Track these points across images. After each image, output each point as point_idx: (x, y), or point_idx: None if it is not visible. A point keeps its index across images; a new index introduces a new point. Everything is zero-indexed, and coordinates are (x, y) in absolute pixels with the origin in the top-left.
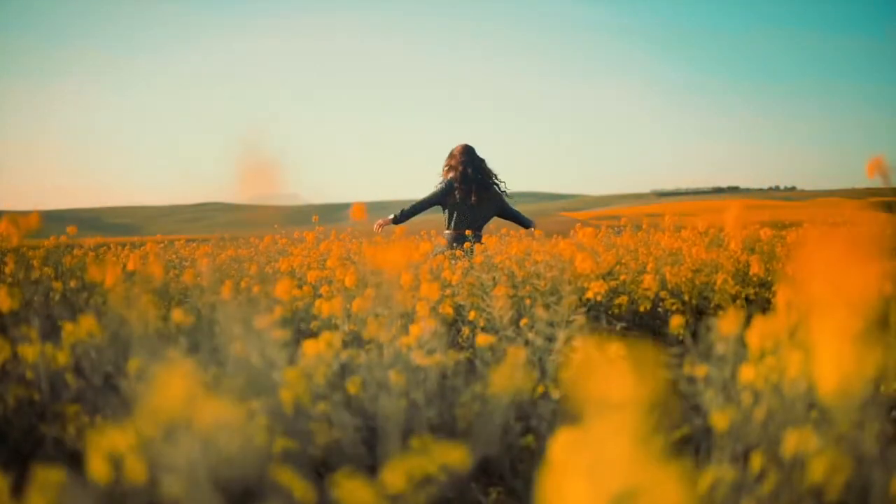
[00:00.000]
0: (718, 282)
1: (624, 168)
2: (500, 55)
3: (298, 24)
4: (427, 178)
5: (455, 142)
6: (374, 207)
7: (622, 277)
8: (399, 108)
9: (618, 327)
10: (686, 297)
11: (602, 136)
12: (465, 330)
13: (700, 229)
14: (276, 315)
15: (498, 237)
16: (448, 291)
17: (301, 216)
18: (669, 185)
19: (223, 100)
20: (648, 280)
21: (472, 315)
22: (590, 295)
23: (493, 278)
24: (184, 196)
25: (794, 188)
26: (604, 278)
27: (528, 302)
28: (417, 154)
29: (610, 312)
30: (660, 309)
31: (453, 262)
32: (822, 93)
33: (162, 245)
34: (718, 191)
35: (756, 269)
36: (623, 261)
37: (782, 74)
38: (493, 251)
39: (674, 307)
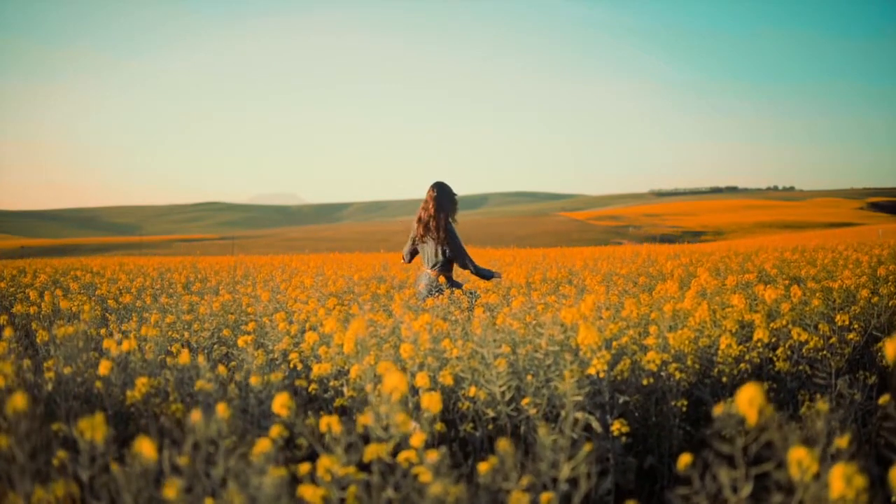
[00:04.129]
0: (722, 345)
1: (623, 168)
2: (499, 55)
3: (298, 24)
4: (426, 179)
5: (454, 141)
6: (373, 207)
7: (624, 339)
8: (398, 107)
9: (620, 401)
10: (689, 362)
11: (602, 136)
12: (466, 402)
13: (702, 279)
14: (274, 433)
15: (502, 294)
16: (452, 354)
17: (300, 216)
18: (668, 185)
19: (222, 99)
20: (652, 353)
21: (472, 391)
22: (592, 371)
23: (495, 354)
24: (183, 195)
25: (792, 188)
26: (606, 346)
27: (529, 378)
28: (417, 154)
29: (613, 378)
30: (663, 373)
31: (445, 304)
32: (821, 93)
33: (157, 264)
34: (717, 190)
35: (760, 333)
36: (624, 313)
37: (782, 74)
38: (493, 302)
39: (677, 373)
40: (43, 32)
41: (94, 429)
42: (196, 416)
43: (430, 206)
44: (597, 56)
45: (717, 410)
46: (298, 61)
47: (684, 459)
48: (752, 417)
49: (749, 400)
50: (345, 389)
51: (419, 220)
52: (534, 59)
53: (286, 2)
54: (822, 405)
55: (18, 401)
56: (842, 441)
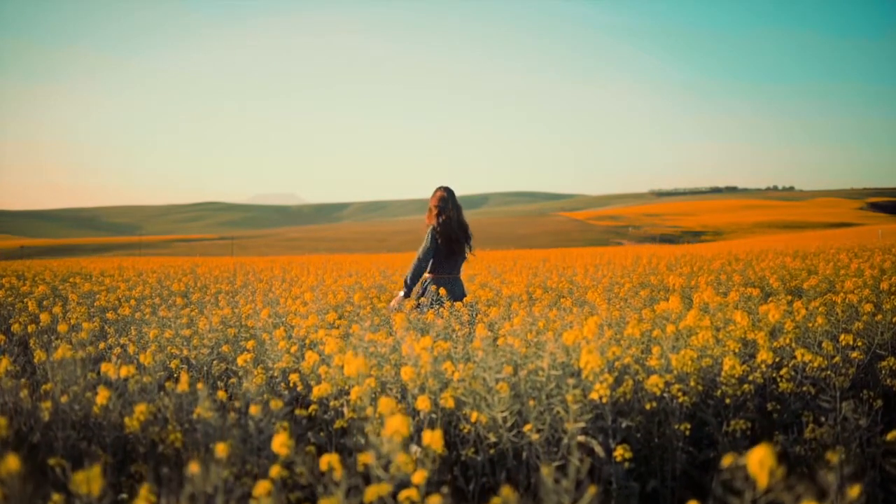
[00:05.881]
0: (725, 366)
1: (623, 168)
2: (499, 55)
3: (298, 24)
4: (425, 179)
5: (454, 141)
6: (373, 207)
7: (626, 359)
8: (398, 107)
9: (623, 425)
10: (692, 382)
11: (602, 136)
12: (467, 426)
13: (705, 295)
14: (274, 473)
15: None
16: (454, 377)
17: (300, 216)
18: (668, 185)
19: (222, 99)
20: (655, 377)
21: (473, 416)
22: (594, 397)
23: (496, 378)
24: (182, 195)
25: (791, 188)
26: (609, 367)
27: (531, 403)
28: (416, 154)
29: (615, 399)
30: (665, 395)
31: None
32: (821, 93)
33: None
34: (716, 190)
35: (763, 355)
36: (627, 332)
37: (782, 75)
38: (494, 316)
39: (681, 396)
40: (43, 32)
41: (89, 482)
42: (195, 467)
43: (451, 210)
44: (597, 56)
45: (726, 462)
46: (298, 61)
47: None
48: (762, 480)
49: (760, 461)
50: (345, 410)
51: (447, 222)
52: (534, 59)
53: (286, 2)
54: (833, 456)
55: (12, 462)
56: (853, 491)
